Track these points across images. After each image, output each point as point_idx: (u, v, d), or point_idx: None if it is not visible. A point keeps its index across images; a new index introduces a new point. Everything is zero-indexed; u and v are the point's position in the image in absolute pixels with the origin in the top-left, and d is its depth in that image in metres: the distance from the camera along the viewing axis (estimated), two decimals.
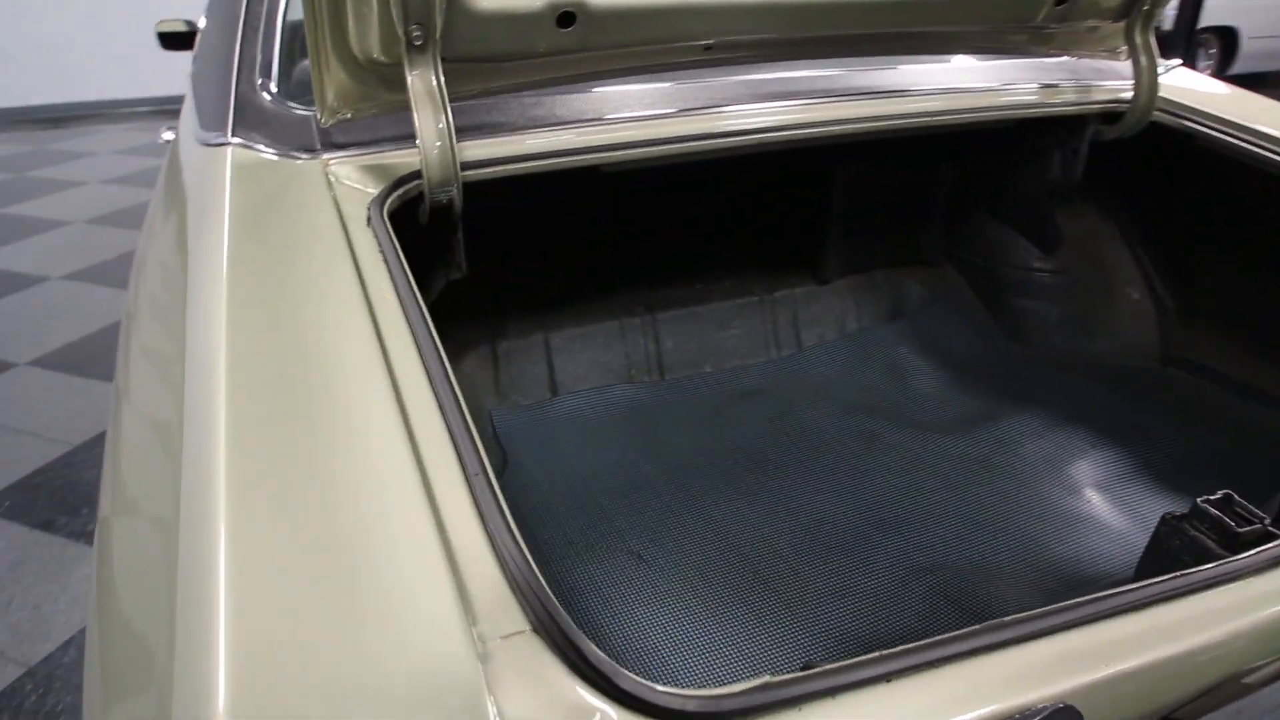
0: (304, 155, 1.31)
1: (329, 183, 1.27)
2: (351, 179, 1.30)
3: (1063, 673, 0.76)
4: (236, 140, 1.29)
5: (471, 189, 1.35)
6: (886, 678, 0.74)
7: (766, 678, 0.71)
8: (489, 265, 2.18)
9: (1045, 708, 0.74)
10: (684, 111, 1.49)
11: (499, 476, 1.73)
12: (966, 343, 2.29)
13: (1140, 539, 1.36)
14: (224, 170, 1.23)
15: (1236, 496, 1.02)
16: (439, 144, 1.25)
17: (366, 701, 0.60)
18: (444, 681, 0.62)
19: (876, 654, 0.75)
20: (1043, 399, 2.02)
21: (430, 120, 1.24)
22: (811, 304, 2.29)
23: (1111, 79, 1.88)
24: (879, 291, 2.38)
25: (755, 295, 2.24)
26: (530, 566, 0.71)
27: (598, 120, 1.44)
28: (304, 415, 0.82)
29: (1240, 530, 0.97)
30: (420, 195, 1.29)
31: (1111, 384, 2.10)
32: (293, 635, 0.63)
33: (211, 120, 1.36)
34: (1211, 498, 1.02)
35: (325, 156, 1.31)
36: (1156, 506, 1.67)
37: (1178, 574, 0.87)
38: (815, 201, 2.25)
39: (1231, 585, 0.88)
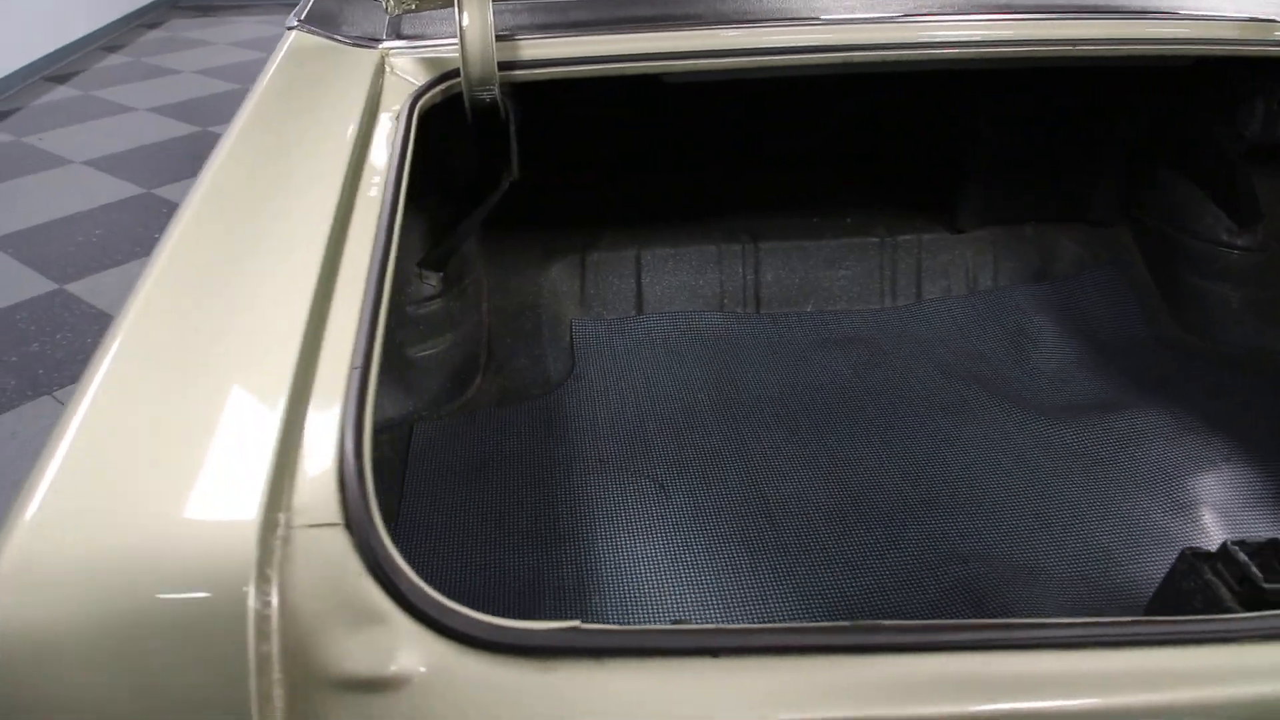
0: (367, 44, 1.33)
1: (381, 71, 1.29)
2: (405, 70, 1.31)
3: (917, 694, 0.66)
4: (303, 26, 1.34)
5: (542, 91, 1.32)
6: (714, 652, 0.68)
7: (577, 622, 0.68)
8: (585, 174, 2.16)
9: None
10: (763, 21, 1.36)
11: (560, 386, 1.76)
12: (1119, 320, 1.99)
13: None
14: (281, 52, 1.28)
15: None
16: (479, 41, 1.22)
17: (137, 567, 0.63)
18: (222, 559, 0.64)
19: (715, 626, 0.70)
20: (1189, 398, 1.73)
21: (473, 15, 1.22)
22: (940, 253, 2.08)
23: None
24: (1027, 248, 2.11)
25: (875, 236, 2.06)
26: (362, 465, 0.71)
27: (666, 23, 1.35)
28: (232, 266, 0.86)
29: (1267, 586, 0.79)
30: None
31: None
32: (105, 491, 0.67)
33: (297, 7, 1.42)
34: (1251, 540, 0.83)
35: (385, 46, 1.33)
36: None
37: (1146, 620, 0.73)
38: (955, 137, 2.01)
39: (1213, 647, 0.72)
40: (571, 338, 1.92)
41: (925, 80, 1.97)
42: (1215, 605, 0.81)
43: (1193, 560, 0.85)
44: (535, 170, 2.19)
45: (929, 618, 1.28)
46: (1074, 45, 1.37)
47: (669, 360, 1.87)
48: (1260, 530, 1.42)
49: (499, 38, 1.30)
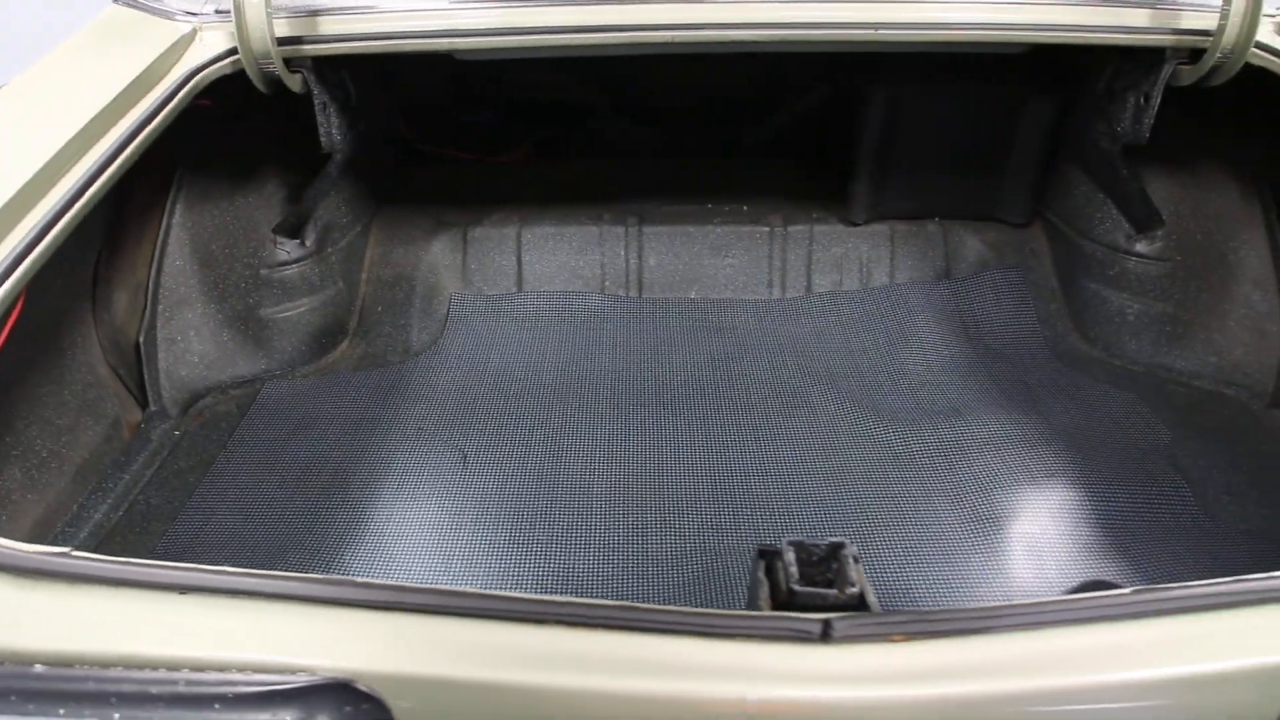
0: (183, 18, 1.41)
1: (187, 43, 1.37)
2: (211, 44, 1.39)
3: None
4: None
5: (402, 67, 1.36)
6: (182, 589, 0.73)
7: (69, 549, 0.74)
8: (480, 151, 2.21)
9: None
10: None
11: (418, 356, 1.81)
12: (1011, 325, 1.90)
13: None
14: (91, 22, 1.38)
15: (849, 548, 0.80)
16: (254, 15, 1.28)
17: None
18: None
19: (195, 566, 0.74)
20: (1045, 411, 1.64)
21: None
22: (833, 246, 2.02)
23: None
24: (930, 245, 2.03)
25: (766, 225, 2.02)
26: None
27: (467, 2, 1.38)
28: None
29: (795, 588, 0.77)
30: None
31: (1181, 414, 1.64)
32: None
33: None
34: (823, 542, 0.81)
35: (201, 20, 1.41)
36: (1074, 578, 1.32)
37: (677, 610, 0.74)
38: (848, 126, 1.94)
39: (699, 641, 0.72)
40: (448, 311, 1.97)
41: (816, 64, 1.92)
42: (754, 602, 0.79)
43: (759, 556, 0.83)
44: (433, 145, 2.25)
45: (668, 603, 1.27)
46: (875, 29, 1.32)
47: (533, 339, 1.90)
48: (1034, 544, 1.35)
49: (294, 14, 1.36)
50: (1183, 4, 1.37)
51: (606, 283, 2.02)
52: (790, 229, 2.02)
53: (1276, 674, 0.71)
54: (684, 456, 1.56)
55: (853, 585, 0.77)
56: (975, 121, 1.89)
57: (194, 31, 1.39)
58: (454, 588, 0.74)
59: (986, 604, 0.76)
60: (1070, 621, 0.73)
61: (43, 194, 1.05)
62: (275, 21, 1.31)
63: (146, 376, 1.61)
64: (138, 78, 1.24)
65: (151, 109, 1.18)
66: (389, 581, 0.74)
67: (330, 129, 1.55)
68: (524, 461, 1.54)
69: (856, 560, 0.81)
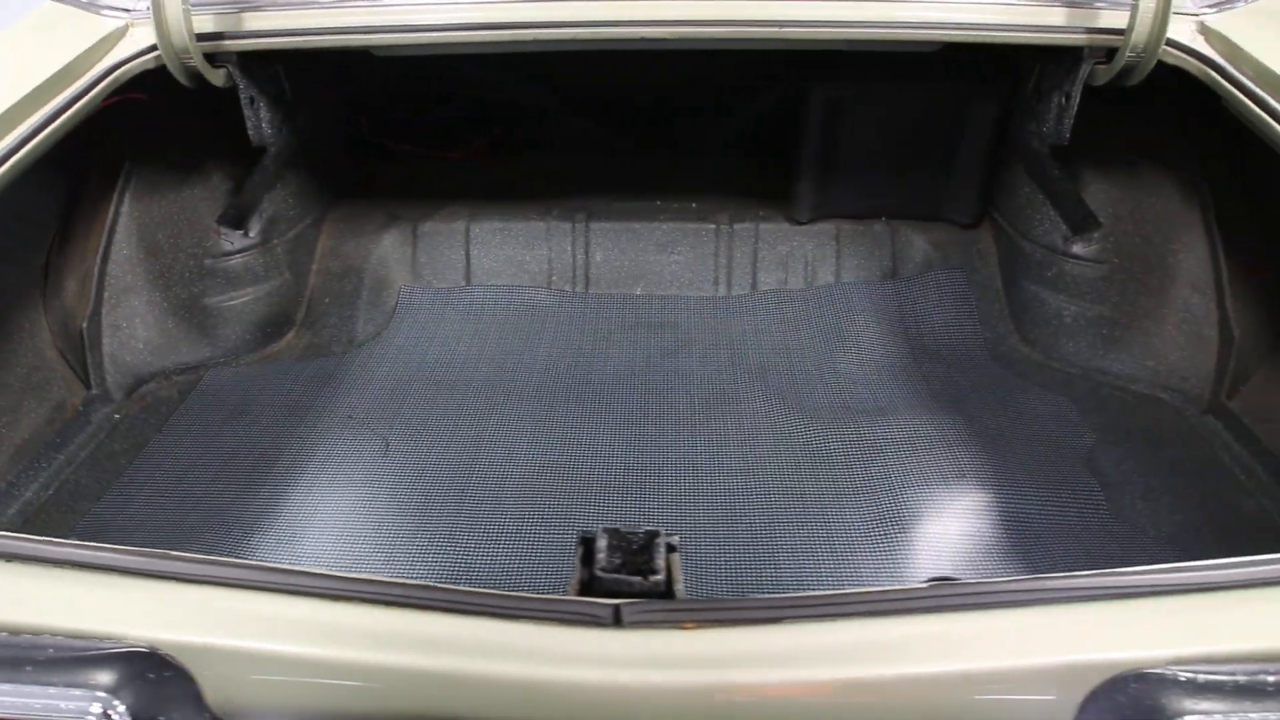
0: (115, 14, 1.46)
1: (113, 39, 1.41)
2: (139, 39, 1.43)
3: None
4: None
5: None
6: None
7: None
8: (428, 146, 2.24)
9: None
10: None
11: (360, 346, 1.85)
12: (952, 326, 1.90)
13: None
14: (24, 17, 1.42)
15: (664, 537, 0.82)
16: (172, 10, 1.32)
17: None
18: None
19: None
20: (970, 413, 1.64)
21: None
22: (778, 244, 2.03)
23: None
24: (877, 245, 2.03)
25: (713, 223, 2.04)
26: None
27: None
28: None
29: (599, 574, 0.79)
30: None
31: (1113, 418, 1.63)
32: None
33: None
34: (639, 531, 0.83)
35: (133, 17, 1.45)
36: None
37: (471, 591, 0.76)
38: (790, 125, 1.95)
39: (479, 620, 0.74)
40: (396, 303, 2.00)
41: (760, 64, 1.93)
42: (567, 587, 0.81)
43: (579, 543, 0.85)
44: (391, 141, 2.29)
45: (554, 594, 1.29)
46: (780, 27, 1.33)
47: (475, 332, 1.93)
48: (933, 543, 1.35)
49: (218, 10, 1.40)
50: (1098, 3, 1.37)
51: (553, 278, 2.05)
52: (736, 226, 2.03)
53: (1075, 672, 0.72)
54: (600, 451, 1.57)
55: (657, 573, 0.78)
56: (919, 122, 1.89)
57: (125, 27, 1.44)
58: (262, 563, 0.77)
59: (791, 594, 0.77)
60: (867, 614, 0.74)
61: None
62: (196, 18, 1.35)
63: (90, 361, 1.66)
64: (60, 71, 1.28)
65: (65, 102, 1.22)
66: (204, 556, 0.77)
67: (260, 123, 1.59)
68: (443, 452, 1.57)
69: (672, 550, 0.83)
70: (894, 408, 1.67)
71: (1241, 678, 0.68)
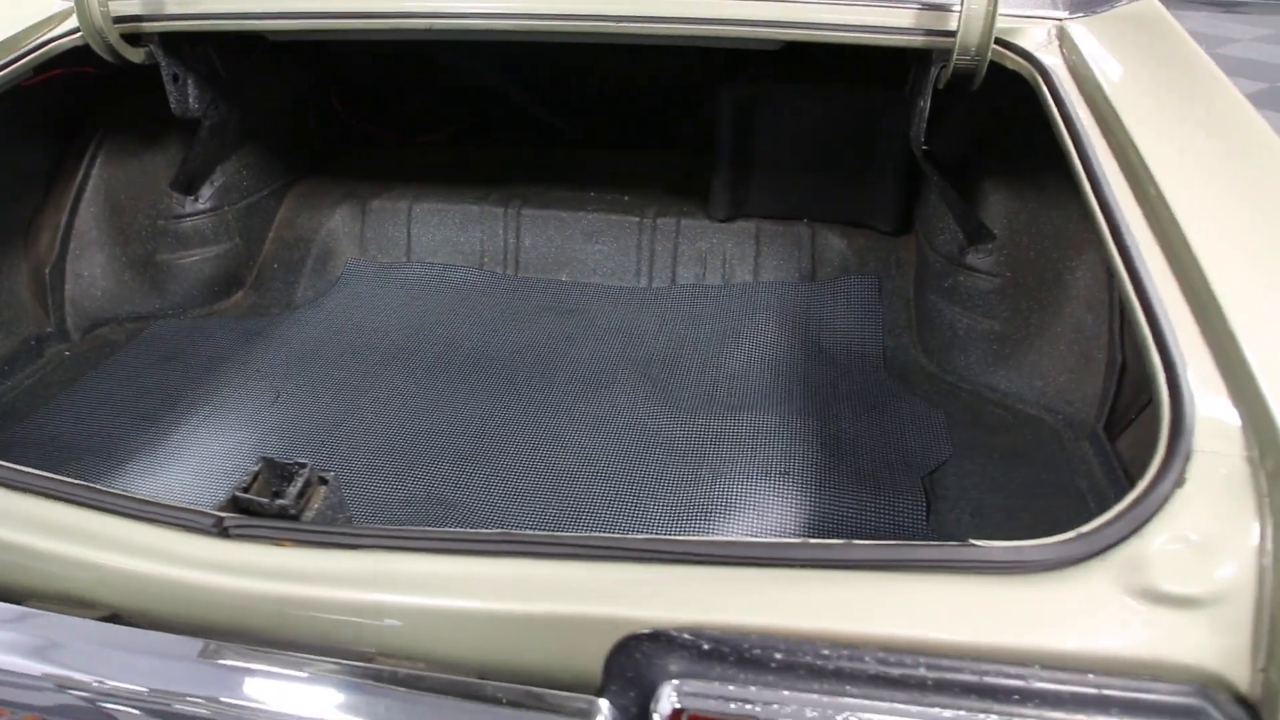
0: None
1: (59, 18, 1.61)
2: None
3: None
4: None
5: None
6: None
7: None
8: (400, 131, 2.38)
9: None
10: None
11: (295, 310, 2.01)
12: (853, 331, 1.89)
13: None
14: None
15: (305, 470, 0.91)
16: None
17: None
18: None
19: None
20: (842, 419, 1.64)
21: None
22: (698, 240, 2.07)
23: None
24: (796, 247, 2.04)
25: (637, 216, 2.10)
26: None
27: None
28: None
29: (238, 495, 0.88)
30: None
31: (984, 435, 1.61)
32: None
33: None
34: (290, 462, 0.92)
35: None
36: None
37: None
38: (705, 123, 1.99)
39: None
40: (341, 274, 2.16)
41: (672, 58, 1.98)
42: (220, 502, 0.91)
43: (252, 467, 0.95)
44: (366, 125, 2.45)
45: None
46: (617, 22, 1.39)
47: (401, 305, 2.06)
48: (734, 535, 1.36)
49: None
50: (940, 6, 1.36)
51: (485, 259, 2.16)
52: (659, 221, 2.08)
53: (603, 623, 0.75)
54: (460, 421, 1.66)
55: (284, 499, 0.88)
56: (831, 126, 1.89)
57: (71, 9, 1.63)
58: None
59: (396, 526, 0.84)
60: (437, 551, 0.81)
61: None
62: (115, 2, 1.53)
63: (51, 302, 1.88)
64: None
65: None
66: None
67: (186, 98, 1.76)
68: (321, 407, 1.70)
69: (324, 482, 0.92)
70: (756, 405, 1.69)
71: (746, 650, 0.71)
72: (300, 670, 0.77)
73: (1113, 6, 1.38)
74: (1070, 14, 1.37)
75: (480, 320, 2.00)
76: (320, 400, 1.73)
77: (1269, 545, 0.69)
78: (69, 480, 0.88)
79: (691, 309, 2.00)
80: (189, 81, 1.75)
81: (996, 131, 1.66)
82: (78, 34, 1.56)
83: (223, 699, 0.76)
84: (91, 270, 1.95)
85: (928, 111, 1.48)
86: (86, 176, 1.93)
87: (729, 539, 0.77)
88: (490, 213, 2.14)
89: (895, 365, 1.83)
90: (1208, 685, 0.66)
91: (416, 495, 1.48)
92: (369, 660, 0.79)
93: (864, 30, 1.37)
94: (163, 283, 2.01)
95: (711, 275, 2.07)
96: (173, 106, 1.76)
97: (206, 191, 2.03)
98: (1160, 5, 1.38)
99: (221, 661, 0.78)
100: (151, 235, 1.99)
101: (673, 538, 0.77)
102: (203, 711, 0.77)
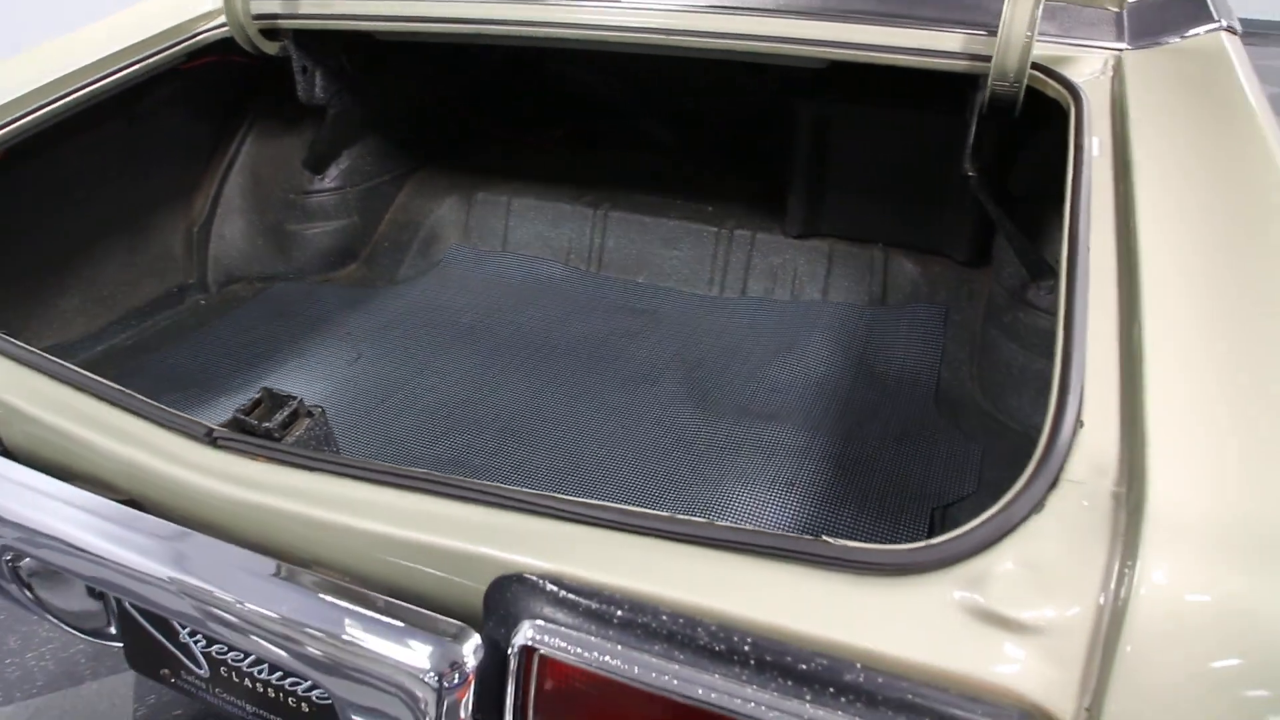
0: None
1: (217, 12, 1.88)
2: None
3: None
4: None
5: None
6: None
7: None
8: (515, 131, 2.55)
9: None
10: None
11: (398, 285, 2.23)
12: (909, 361, 1.87)
13: None
14: None
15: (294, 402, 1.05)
16: None
17: None
18: None
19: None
20: (868, 441, 1.63)
21: None
22: (771, 255, 2.10)
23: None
24: (868, 270, 2.03)
25: (715, 226, 2.15)
26: None
27: None
28: None
29: (239, 415, 1.03)
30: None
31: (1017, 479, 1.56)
32: None
33: None
34: (286, 395, 1.07)
35: None
36: None
37: None
38: (782, 143, 2.01)
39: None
40: (444, 257, 2.36)
41: (752, 76, 2.01)
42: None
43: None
44: (487, 124, 2.65)
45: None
46: (664, 35, 1.47)
47: (488, 290, 2.22)
48: None
49: None
50: (985, 28, 1.34)
51: (571, 256, 2.28)
52: (736, 232, 2.13)
53: (484, 561, 0.83)
54: (503, 398, 1.78)
55: (270, 423, 1.02)
56: (911, 149, 1.88)
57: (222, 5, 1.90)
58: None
59: (359, 459, 0.96)
60: (379, 483, 0.92)
61: (57, 91, 1.58)
62: (255, 1, 1.77)
63: (195, 258, 2.18)
64: (162, 32, 1.76)
65: (150, 53, 1.68)
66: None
67: (312, 89, 1.99)
68: (389, 370, 1.88)
69: (310, 415, 1.06)
70: (787, 418, 1.70)
71: (594, 604, 0.77)
72: (250, 565, 0.90)
73: (1181, 38, 1.31)
74: (1132, 45, 1.32)
75: (553, 311, 2.13)
76: (391, 364, 1.90)
77: (1113, 583, 0.67)
78: (110, 384, 1.06)
79: (752, 319, 2.04)
80: (316, 74, 1.98)
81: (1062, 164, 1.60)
82: (225, 28, 1.82)
83: (185, 579, 0.90)
84: (232, 233, 2.24)
85: (972, 136, 1.46)
86: (237, 151, 2.22)
87: (604, 503, 0.83)
88: (580, 212, 2.27)
89: (948, 397, 1.79)
90: (1028, 713, 0.66)
91: (443, 457, 1.61)
92: (306, 567, 0.91)
93: (906, 53, 1.38)
94: (288, 249, 2.28)
95: (781, 290, 2.09)
96: (300, 94, 2.00)
97: (333, 172, 2.27)
98: (1231, 39, 1.29)
99: (189, 551, 0.92)
100: (283, 206, 2.26)
101: (556, 495, 0.84)
102: (168, 587, 0.91)
